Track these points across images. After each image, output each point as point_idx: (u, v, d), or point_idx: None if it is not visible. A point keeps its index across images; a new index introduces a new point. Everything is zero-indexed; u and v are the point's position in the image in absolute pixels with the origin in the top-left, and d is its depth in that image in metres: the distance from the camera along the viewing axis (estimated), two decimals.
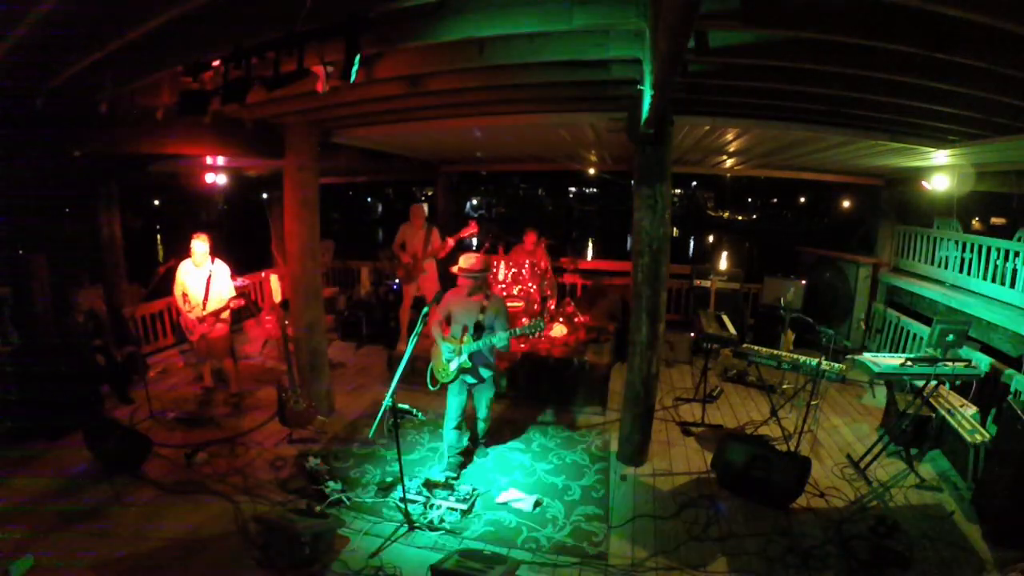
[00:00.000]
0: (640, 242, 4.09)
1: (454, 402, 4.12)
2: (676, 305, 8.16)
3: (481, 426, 4.39)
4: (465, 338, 3.93)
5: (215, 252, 5.22)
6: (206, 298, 5.07)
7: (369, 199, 50.23)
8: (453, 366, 3.96)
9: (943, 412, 4.45)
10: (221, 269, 5.19)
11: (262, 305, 7.68)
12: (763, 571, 3.20)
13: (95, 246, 6.65)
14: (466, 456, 4.33)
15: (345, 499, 3.73)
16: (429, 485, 3.82)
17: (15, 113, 3.74)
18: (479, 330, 3.92)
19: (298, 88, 2.96)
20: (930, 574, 3.19)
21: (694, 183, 53.87)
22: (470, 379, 4.04)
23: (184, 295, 5.14)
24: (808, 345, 6.61)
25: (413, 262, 6.42)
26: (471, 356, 3.93)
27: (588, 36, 2.94)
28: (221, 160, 6.82)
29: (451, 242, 6.45)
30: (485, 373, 4.08)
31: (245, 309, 5.88)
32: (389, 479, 3.96)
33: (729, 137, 5.24)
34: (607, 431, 4.95)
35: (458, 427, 4.16)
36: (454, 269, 4.06)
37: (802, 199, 49.33)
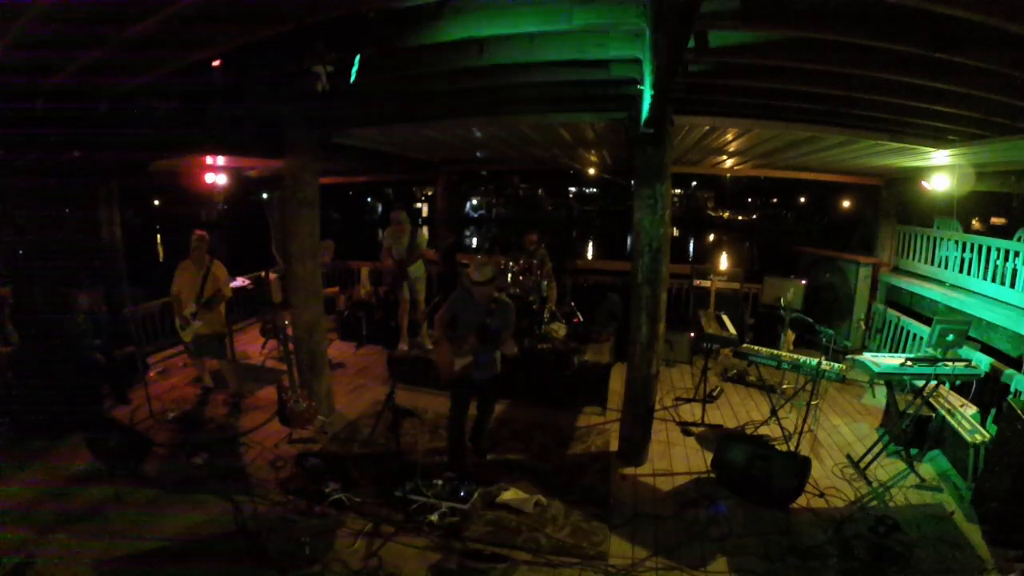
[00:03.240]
0: (640, 242, 4.09)
1: (456, 402, 4.12)
2: (676, 305, 8.15)
3: (482, 426, 4.38)
4: (470, 340, 3.93)
5: (214, 251, 5.22)
6: (202, 296, 5.08)
7: (369, 199, 50.24)
8: (456, 367, 3.95)
9: (943, 412, 4.45)
10: (218, 268, 5.21)
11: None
12: (763, 571, 3.19)
13: (95, 246, 6.65)
14: (467, 456, 4.32)
15: (345, 499, 3.73)
16: (429, 485, 3.82)
17: (15, 113, 3.74)
18: (485, 332, 3.91)
19: (298, 88, 2.96)
20: (930, 574, 3.19)
21: (694, 183, 53.90)
22: (472, 379, 4.04)
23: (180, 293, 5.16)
24: (808, 345, 6.61)
25: (398, 267, 6.39)
26: (475, 358, 3.93)
27: (588, 36, 2.95)
28: (221, 160, 6.82)
29: (432, 254, 6.43)
30: (487, 374, 4.08)
31: (244, 308, 5.87)
32: (389, 479, 3.95)
33: (729, 137, 5.24)
34: (607, 431, 4.95)
35: (459, 427, 4.16)
36: (469, 278, 4.02)
37: (802, 199, 49.32)
